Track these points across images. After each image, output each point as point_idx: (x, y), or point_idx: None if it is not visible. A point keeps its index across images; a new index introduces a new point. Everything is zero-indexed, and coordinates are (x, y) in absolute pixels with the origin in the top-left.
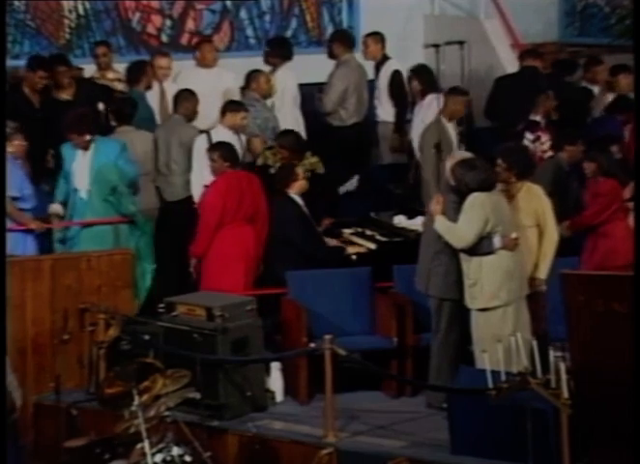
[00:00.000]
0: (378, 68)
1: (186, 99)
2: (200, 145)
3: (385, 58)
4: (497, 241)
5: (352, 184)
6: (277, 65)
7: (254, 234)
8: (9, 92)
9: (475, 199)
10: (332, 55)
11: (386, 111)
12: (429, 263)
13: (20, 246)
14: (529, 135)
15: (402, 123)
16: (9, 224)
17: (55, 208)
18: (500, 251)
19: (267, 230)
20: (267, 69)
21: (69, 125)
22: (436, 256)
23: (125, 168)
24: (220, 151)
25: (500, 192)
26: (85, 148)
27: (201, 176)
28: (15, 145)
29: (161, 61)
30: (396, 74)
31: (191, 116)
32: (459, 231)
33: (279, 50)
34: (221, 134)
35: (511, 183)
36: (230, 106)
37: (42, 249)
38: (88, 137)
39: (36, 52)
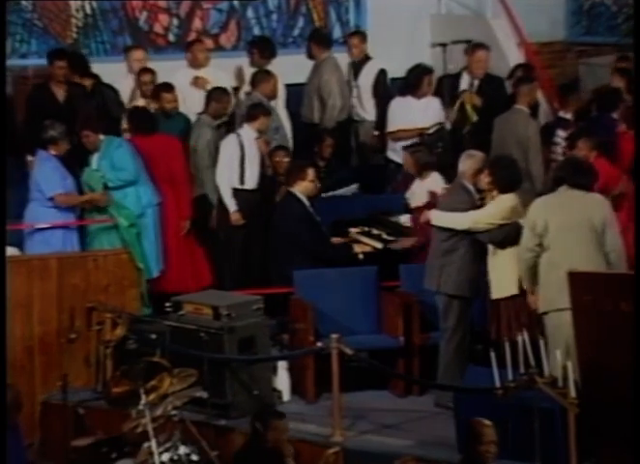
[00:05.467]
0: (357, 67)
1: (217, 99)
2: (228, 145)
3: (366, 58)
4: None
5: (350, 189)
6: (263, 65)
7: (174, 195)
8: (35, 90)
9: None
10: (310, 56)
11: (366, 111)
12: (440, 261)
13: (69, 242)
14: (561, 133)
15: (384, 122)
16: (50, 223)
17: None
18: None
19: (190, 191)
20: (252, 70)
21: (83, 122)
22: (447, 254)
23: (110, 169)
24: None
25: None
26: (94, 149)
27: (227, 177)
28: (61, 149)
29: (137, 54)
30: (382, 74)
31: (220, 116)
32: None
33: (264, 50)
34: (249, 135)
35: (493, 195)
36: (262, 110)
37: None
38: (101, 137)
39: (43, 51)
